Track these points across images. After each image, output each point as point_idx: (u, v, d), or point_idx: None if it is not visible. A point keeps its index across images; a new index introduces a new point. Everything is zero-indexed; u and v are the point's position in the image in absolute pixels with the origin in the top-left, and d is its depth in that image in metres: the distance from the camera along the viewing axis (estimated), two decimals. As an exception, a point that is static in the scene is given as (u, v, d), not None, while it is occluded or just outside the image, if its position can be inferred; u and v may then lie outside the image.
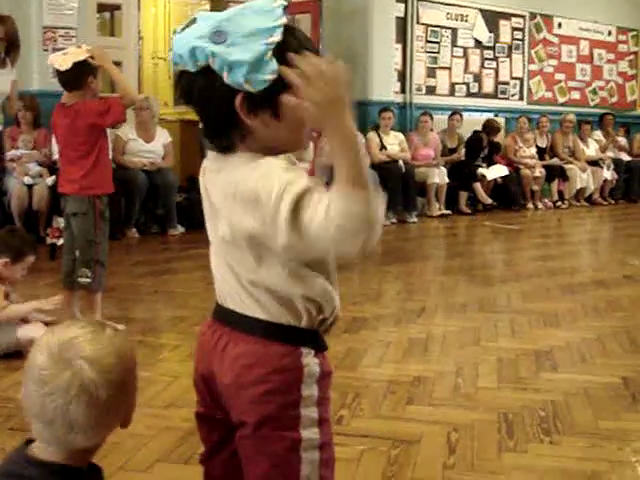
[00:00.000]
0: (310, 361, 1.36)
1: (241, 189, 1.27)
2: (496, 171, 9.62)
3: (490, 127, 9.72)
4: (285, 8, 1.30)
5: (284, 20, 1.29)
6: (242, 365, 1.34)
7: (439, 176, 8.90)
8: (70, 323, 1.25)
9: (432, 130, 9.22)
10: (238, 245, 1.32)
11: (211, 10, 10.39)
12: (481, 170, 9.47)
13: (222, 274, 1.39)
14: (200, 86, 1.29)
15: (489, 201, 9.45)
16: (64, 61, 3.68)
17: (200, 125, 1.41)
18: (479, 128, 9.67)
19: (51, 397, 1.16)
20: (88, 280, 3.72)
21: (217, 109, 1.31)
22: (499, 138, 9.98)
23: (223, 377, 1.37)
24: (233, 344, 1.36)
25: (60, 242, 4.60)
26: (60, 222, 4.56)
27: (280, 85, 1.26)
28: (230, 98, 1.28)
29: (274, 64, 1.26)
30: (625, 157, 11.28)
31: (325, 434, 1.37)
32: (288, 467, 1.34)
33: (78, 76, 3.69)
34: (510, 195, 9.78)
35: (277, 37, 1.27)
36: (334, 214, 1.17)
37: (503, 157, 9.89)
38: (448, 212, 8.95)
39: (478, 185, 9.37)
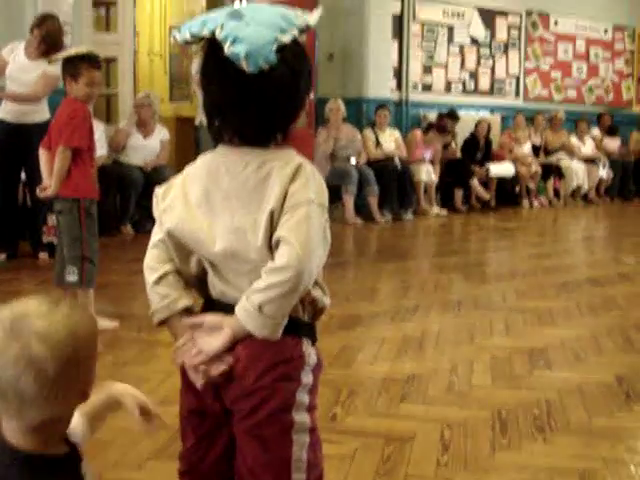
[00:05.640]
0: (310, 351, 1.43)
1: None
2: (502, 169, 9.64)
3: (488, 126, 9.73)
4: (303, 30, 1.40)
5: (296, 33, 1.37)
6: (249, 356, 1.38)
7: (426, 174, 8.83)
8: (27, 299, 1.23)
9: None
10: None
11: (207, 7, 10.37)
12: (488, 165, 9.52)
13: (235, 268, 1.42)
14: (285, 82, 1.38)
15: (487, 196, 9.45)
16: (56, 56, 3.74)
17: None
18: (475, 125, 9.68)
19: (2, 369, 1.16)
20: (75, 278, 3.69)
21: (299, 104, 1.44)
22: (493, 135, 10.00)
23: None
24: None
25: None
26: (54, 220, 4.56)
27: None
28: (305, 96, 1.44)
29: (273, 58, 1.33)
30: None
31: (313, 420, 1.44)
32: (280, 449, 1.40)
33: (62, 74, 3.73)
34: (509, 193, 9.84)
35: (286, 38, 1.35)
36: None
37: (500, 152, 9.87)
38: (443, 213, 8.93)
39: (475, 182, 9.35)
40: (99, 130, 6.23)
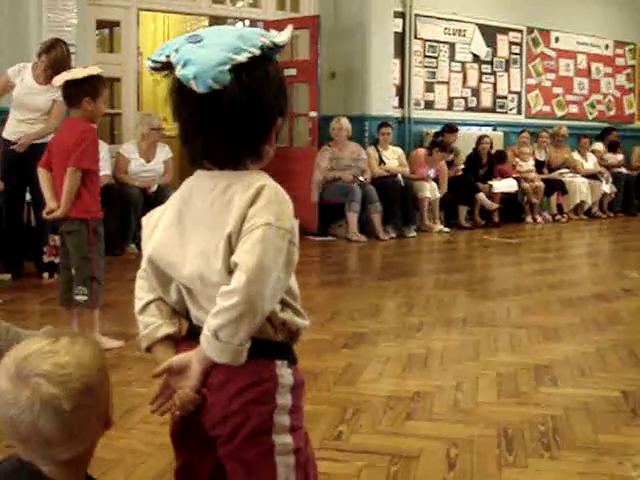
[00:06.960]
0: (284, 372, 1.41)
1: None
2: (505, 185, 9.64)
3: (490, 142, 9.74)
4: (270, 48, 1.36)
5: (257, 52, 1.34)
6: (218, 383, 1.38)
7: (430, 191, 8.85)
8: (28, 340, 1.22)
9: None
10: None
11: (210, 26, 10.43)
12: (491, 182, 9.50)
13: (205, 292, 1.42)
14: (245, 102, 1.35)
15: (494, 206, 9.43)
16: (61, 77, 3.72)
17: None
18: (477, 141, 9.69)
19: (20, 418, 1.15)
20: (85, 298, 3.70)
21: (263, 123, 1.40)
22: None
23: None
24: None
25: (58, 260, 4.59)
26: (56, 240, 4.55)
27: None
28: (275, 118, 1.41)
29: (226, 78, 1.31)
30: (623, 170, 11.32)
31: (298, 440, 1.42)
32: (263, 472, 1.39)
33: (72, 94, 3.71)
34: (513, 209, 9.84)
35: (241, 58, 1.33)
36: None
37: (507, 168, 9.86)
38: (446, 230, 8.93)
39: (481, 194, 9.34)
40: (103, 150, 6.25)
